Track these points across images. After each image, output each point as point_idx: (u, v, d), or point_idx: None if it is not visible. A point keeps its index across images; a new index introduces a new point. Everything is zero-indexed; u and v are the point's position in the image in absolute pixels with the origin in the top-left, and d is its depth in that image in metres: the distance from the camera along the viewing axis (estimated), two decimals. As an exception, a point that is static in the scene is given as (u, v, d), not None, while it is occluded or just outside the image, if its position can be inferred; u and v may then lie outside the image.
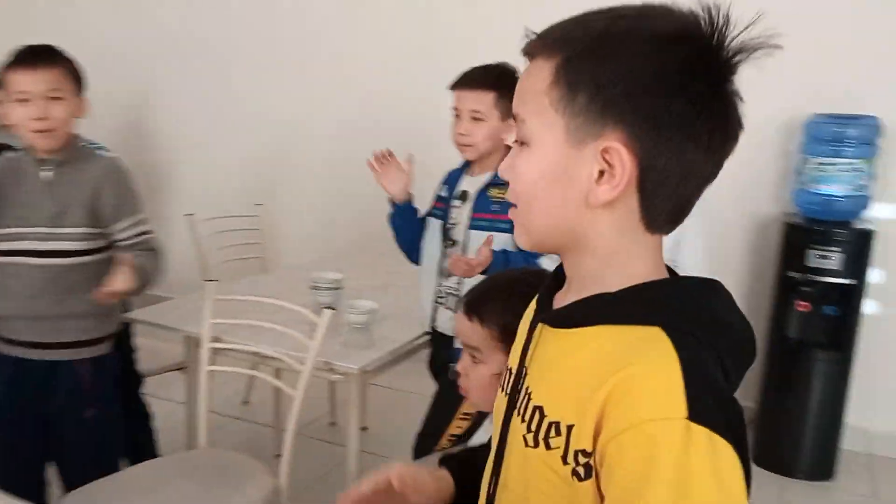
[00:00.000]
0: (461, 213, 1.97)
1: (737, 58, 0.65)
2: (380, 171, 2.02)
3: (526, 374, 0.74)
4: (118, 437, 1.92)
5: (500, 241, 1.88)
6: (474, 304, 1.11)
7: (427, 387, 2.07)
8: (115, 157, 1.92)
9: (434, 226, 2.05)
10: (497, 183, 1.93)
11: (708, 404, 0.60)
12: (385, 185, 2.01)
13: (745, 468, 0.61)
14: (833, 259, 2.56)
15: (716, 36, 0.64)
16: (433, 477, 1.02)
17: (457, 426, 1.84)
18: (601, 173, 0.65)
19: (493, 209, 1.94)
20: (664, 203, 0.67)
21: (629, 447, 0.59)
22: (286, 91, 3.94)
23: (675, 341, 0.62)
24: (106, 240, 1.81)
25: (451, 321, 1.95)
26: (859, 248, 2.58)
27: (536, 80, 0.67)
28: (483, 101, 1.87)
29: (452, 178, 2.05)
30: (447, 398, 1.89)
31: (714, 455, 0.58)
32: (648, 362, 0.62)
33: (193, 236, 2.99)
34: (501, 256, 1.84)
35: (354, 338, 2.05)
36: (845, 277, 2.56)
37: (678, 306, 0.67)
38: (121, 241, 1.80)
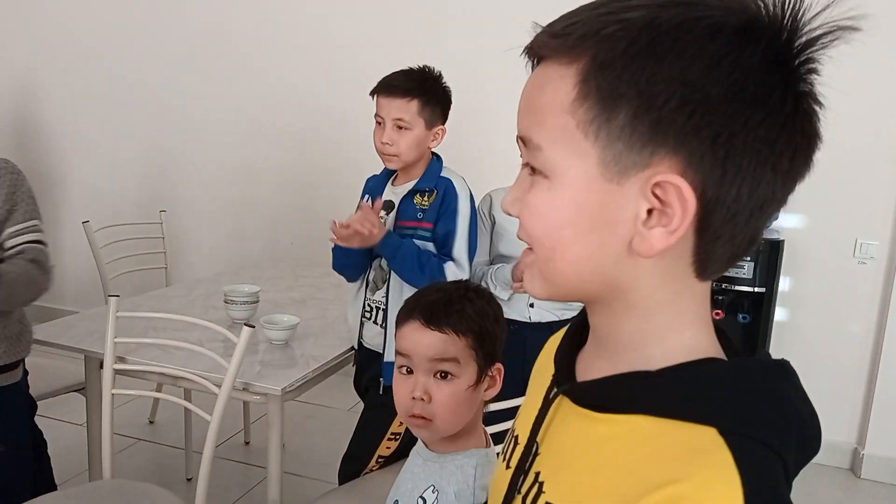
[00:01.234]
0: (386, 224, 1.90)
1: (812, 51, 0.50)
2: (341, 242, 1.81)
3: (537, 453, 0.60)
4: (29, 472, 1.74)
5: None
6: (438, 315, 1.03)
7: (346, 400, 1.98)
8: (9, 161, 1.73)
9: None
10: (420, 189, 1.88)
11: None
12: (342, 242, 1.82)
13: None
14: (744, 268, 2.65)
15: (787, 24, 0.49)
16: None
17: (386, 447, 1.77)
18: (650, 212, 0.50)
19: (417, 217, 1.88)
20: (727, 245, 0.52)
21: None
22: (186, 90, 3.73)
23: (737, 452, 0.48)
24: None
25: (378, 336, 1.88)
26: (769, 257, 2.69)
27: (554, 92, 0.51)
28: (408, 109, 1.81)
29: (374, 187, 1.98)
30: (375, 417, 1.81)
31: None
32: (702, 483, 0.47)
33: (91, 245, 2.76)
34: (394, 240, 1.79)
35: (274, 356, 1.93)
36: (756, 286, 2.66)
37: (741, 400, 0.51)
38: (8, 247, 1.62)
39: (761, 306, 2.70)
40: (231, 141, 3.70)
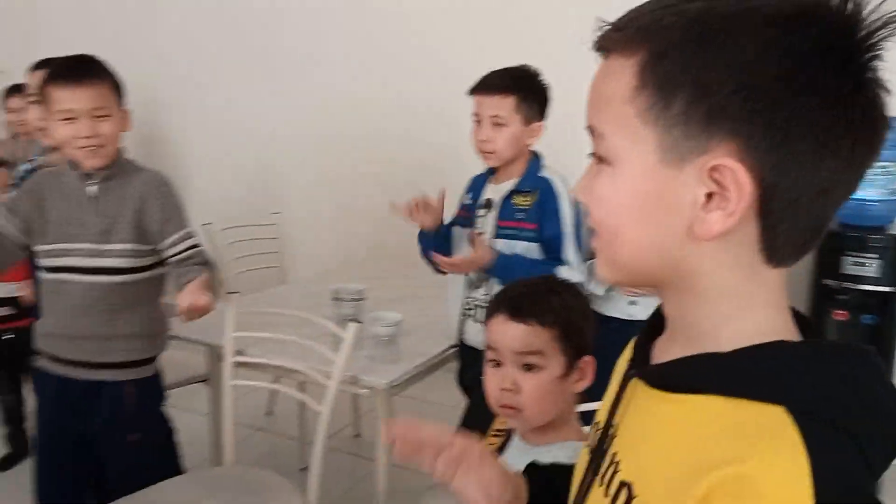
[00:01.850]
0: (486, 222, 1.93)
1: (876, 39, 0.49)
2: (414, 219, 1.97)
3: (614, 435, 0.63)
4: (162, 460, 1.86)
5: (520, 249, 1.86)
6: (525, 306, 1.06)
7: (451, 397, 2.02)
8: (159, 172, 1.85)
9: (460, 235, 2.00)
10: (521, 190, 1.89)
11: None
12: (419, 224, 1.98)
13: None
14: (870, 266, 2.49)
15: (848, 11, 0.49)
16: (507, 472, 0.87)
17: (489, 443, 1.79)
18: (709, 196, 0.51)
19: (517, 217, 1.90)
20: (792, 230, 0.52)
21: None
22: (294, 100, 3.90)
23: (806, 432, 0.47)
24: (155, 257, 1.75)
25: (480, 334, 1.90)
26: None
27: (616, 83, 0.54)
28: (504, 105, 1.83)
29: (477, 186, 2.01)
30: (478, 414, 1.84)
31: None
32: (766, 463, 0.47)
33: (212, 246, 2.95)
34: (504, 259, 1.82)
35: (380, 351, 1.99)
36: (883, 285, 2.49)
37: (812, 381, 0.51)
38: (172, 256, 1.72)
39: (889, 306, 2.53)
40: (337, 145, 3.84)
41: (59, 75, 1.66)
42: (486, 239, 1.88)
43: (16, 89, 3.12)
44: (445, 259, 1.87)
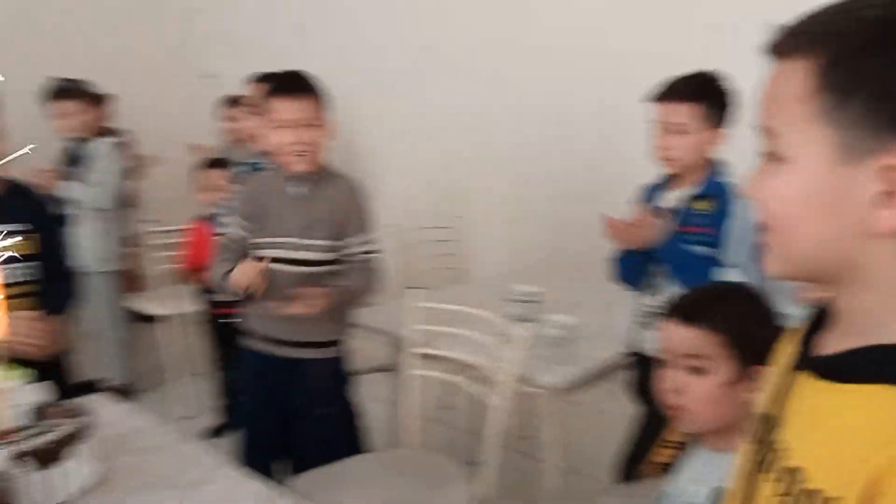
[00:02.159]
0: (666, 231, 1.90)
1: None
2: (613, 235, 1.88)
3: (781, 426, 0.65)
4: (347, 433, 2.05)
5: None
6: (695, 311, 1.07)
7: (616, 406, 2.01)
8: (356, 179, 2.04)
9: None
10: (702, 195, 1.84)
11: None
12: (616, 243, 1.91)
13: None
14: None
15: None
16: None
17: (660, 453, 1.76)
18: (886, 194, 0.54)
19: (698, 222, 1.85)
20: None
21: None
22: (478, 109, 4.03)
23: None
24: (339, 253, 1.94)
25: (657, 342, 1.88)
26: None
27: (793, 84, 0.57)
28: (688, 112, 1.79)
29: (650, 194, 1.98)
30: (653, 424, 1.82)
31: None
32: None
33: (398, 246, 3.14)
34: (675, 248, 1.77)
35: (551, 352, 2.03)
36: None
37: None
38: (349, 255, 1.92)
39: None
40: (521, 152, 3.92)
41: (277, 88, 1.88)
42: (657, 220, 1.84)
43: (233, 101, 3.51)
44: (615, 220, 1.82)
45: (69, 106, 3.04)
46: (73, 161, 3.11)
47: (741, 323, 1.06)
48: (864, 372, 0.56)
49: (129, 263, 3.43)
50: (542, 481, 1.99)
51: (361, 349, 2.68)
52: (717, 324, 1.04)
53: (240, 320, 2.11)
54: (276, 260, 1.90)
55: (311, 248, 1.90)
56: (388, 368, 2.57)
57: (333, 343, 2.01)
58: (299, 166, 1.88)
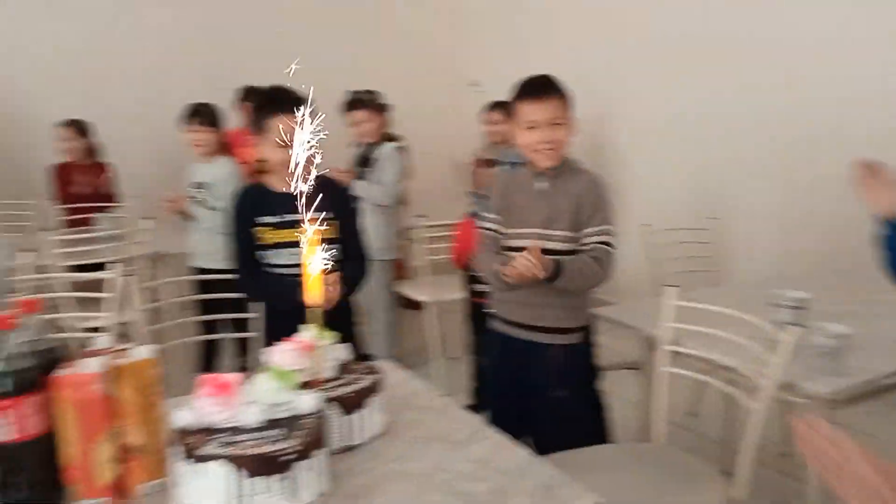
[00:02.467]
0: None
1: None
2: (866, 184, 1.75)
3: None
4: (584, 418, 2.15)
5: None
6: None
7: (888, 430, 1.82)
8: (598, 174, 2.15)
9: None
10: None
11: None
12: (870, 200, 1.76)
13: None
14: None
15: None
16: None
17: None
18: None
19: None
20: None
21: None
22: (738, 106, 3.83)
23: None
24: (578, 243, 2.04)
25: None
26: None
27: None
28: None
29: None
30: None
31: None
32: None
33: (647, 246, 3.13)
34: None
35: (820, 362, 1.91)
36: None
37: None
38: (584, 244, 2.02)
39: None
40: (785, 152, 3.67)
41: (525, 93, 2.04)
42: None
43: (495, 106, 3.75)
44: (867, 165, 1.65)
45: (360, 115, 3.50)
46: (363, 163, 3.57)
47: None
48: None
49: (401, 254, 3.83)
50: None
51: (610, 345, 2.73)
52: None
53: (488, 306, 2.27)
54: (521, 249, 2.02)
55: (553, 238, 2.02)
56: (636, 367, 2.59)
57: (573, 330, 2.10)
58: (545, 162, 2.04)
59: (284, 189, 2.02)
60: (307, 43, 5.27)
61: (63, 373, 1.18)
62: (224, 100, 3.75)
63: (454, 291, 3.61)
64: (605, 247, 2.03)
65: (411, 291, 3.86)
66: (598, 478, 1.80)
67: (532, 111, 2.01)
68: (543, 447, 1.99)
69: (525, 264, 1.91)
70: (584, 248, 2.03)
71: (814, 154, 3.53)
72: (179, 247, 3.53)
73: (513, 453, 1.39)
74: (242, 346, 3.21)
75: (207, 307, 2.69)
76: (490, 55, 5.71)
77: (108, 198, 4.24)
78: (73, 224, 3.93)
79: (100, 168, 4.29)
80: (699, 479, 1.82)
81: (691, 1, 4.09)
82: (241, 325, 2.54)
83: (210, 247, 3.25)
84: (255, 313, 2.35)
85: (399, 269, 4.03)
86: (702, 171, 4.14)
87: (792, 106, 3.61)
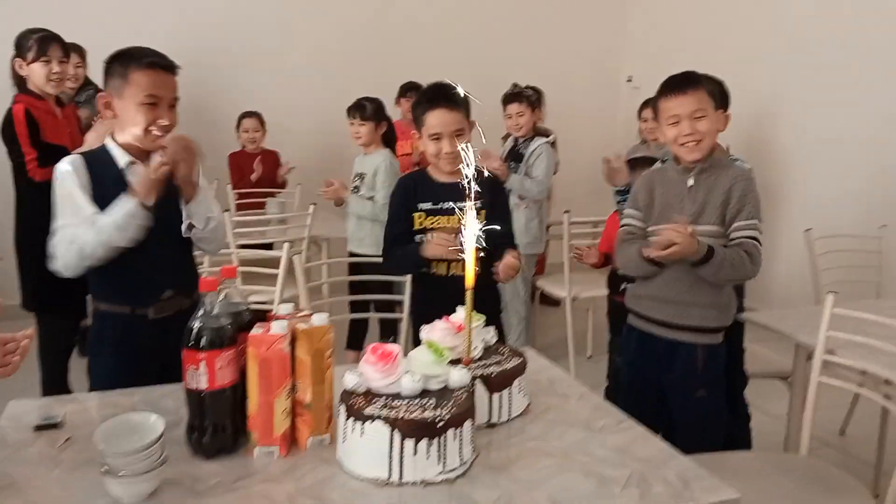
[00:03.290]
0: None
1: None
2: None
3: None
4: (721, 420, 2.12)
5: None
6: None
7: None
8: (748, 169, 2.13)
9: None
10: None
11: None
12: None
13: None
14: None
15: None
16: None
17: None
18: None
19: None
20: None
21: None
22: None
23: None
24: (726, 238, 2.01)
25: None
26: None
27: None
28: None
29: None
30: None
31: None
32: None
33: (808, 253, 2.99)
34: None
35: None
36: None
37: None
38: (731, 239, 1.99)
39: None
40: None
41: (666, 88, 2.06)
42: None
43: (651, 102, 3.71)
44: None
45: (515, 108, 3.60)
46: (515, 157, 3.66)
47: None
48: None
49: (543, 248, 3.89)
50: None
51: (757, 353, 2.65)
52: None
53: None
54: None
55: (700, 234, 1.98)
56: (785, 376, 2.50)
57: (717, 330, 2.07)
58: (690, 156, 2.03)
59: (443, 178, 2.16)
60: (471, 40, 5.45)
61: (253, 332, 1.35)
62: (390, 94, 3.94)
63: (594, 288, 3.61)
64: (754, 241, 1.99)
65: (551, 287, 3.90)
66: (735, 482, 1.78)
67: (673, 106, 2.02)
68: (679, 446, 2.01)
69: (673, 236, 1.90)
70: (731, 242, 2.00)
71: None
72: (338, 232, 3.79)
73: (651, 444, 1.42)
74: (390, 326, 3.41)
75: (359, 288, 2.90)
76: (649, 53, 5.61)
77: (278, 184, 4.61)
78: (246, 207, 4.32)
79: (272, 157, 4.68)
80: (845, 494, 1.75)
81: (871, 3, 3.83)
82: (388, 307, 2.72)
83: (362, 233, 3.48)
84: (403, 296, 2.51)
85: (539, 264, 4.09)
86: (874, 177, 3.86)
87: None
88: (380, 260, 2.30)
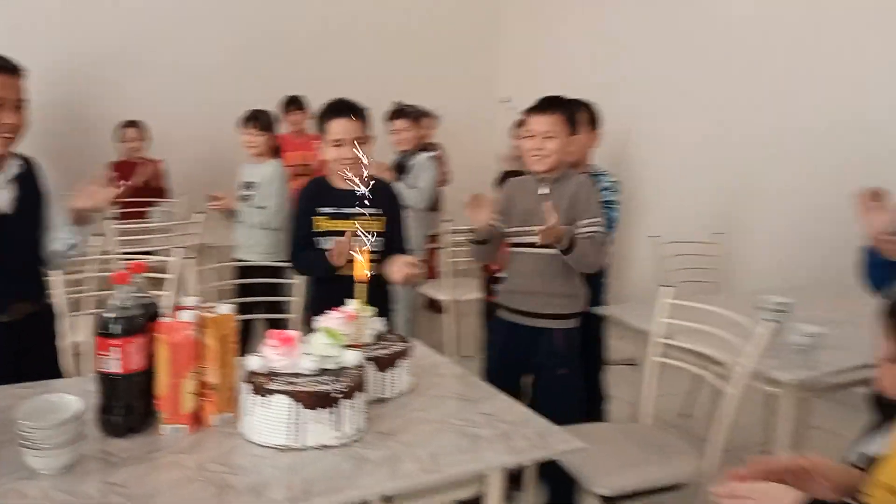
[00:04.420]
0: None
1: None
2: (866, 206, 1.97)
3: None
4: (580, 394, 2.45)
5: None
6: None
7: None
8: (589, 178, 2.47)
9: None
10: None
11: None
12: (866, 221, 1.97)
13: None
14: None
15: None
16: (844, 469, 1.13)
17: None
18: None
19: None
20: None
21: None
22: (759, 121, 4.09)
23: None
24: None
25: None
26: None
27: None
28: None
29: None
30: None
31: None
32: None
33: (655, 256, 3.39)
34: None
35: (794, 357, 2.16)
36: None
37: None
38: (578, 234, 2.30)
39: None
40: (794, 177, 3.91)
41: (530, 107, 2.36)
42: None
43: (522, 123, 4.04)
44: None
45: (400, 124, 3.83)
46: (400, 169, 3.89)
47: None
48: None
49: (428, 256, 4.13)
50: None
51: (613, 345, 3.00)
52: None
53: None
54: (524, 245, 2.35)
55: None
56: (634, 363, 2.86)
57: (571, 316, 2.40)
58: (535, 166, 2.36)
59: (342, 185, 2.35)
60: (355, 58, 5.65)
61: (163, 320, 1.49)
62: (271, 107, 4.06)
63: (474, 292, 3.89)
64: (597, 233, 2.33)
65: (434, 292, 4.15)
66: (587, 444, 2.07)
67: (532, 122, 2.35)
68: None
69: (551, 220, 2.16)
70: (578, 237, 2.30)
71: (819, 183, 3.77)
72: (223, 240, 3.86)
73: (516, 410, 1.68)
74: (276, 327, 3.52)
75: (246, 293, 3.01)
76: (523, 75, 6.02)
77: (160, 193, 4.60)
78: (127, 216, 4.29)
79: (153, 165, 4.66)
80: (676, 454, 2.09)
81: (716, 28, 4.36)
82: (276, 309, 2.86)
83: (252, 241, 3.58)
84: (293, 297, 2.66)
85: (429, 271, 4.33)
86: (714, 190, 4.39)
87: (805, 140, 3.86)
88: (269, 264, 2.44)
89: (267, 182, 3.56)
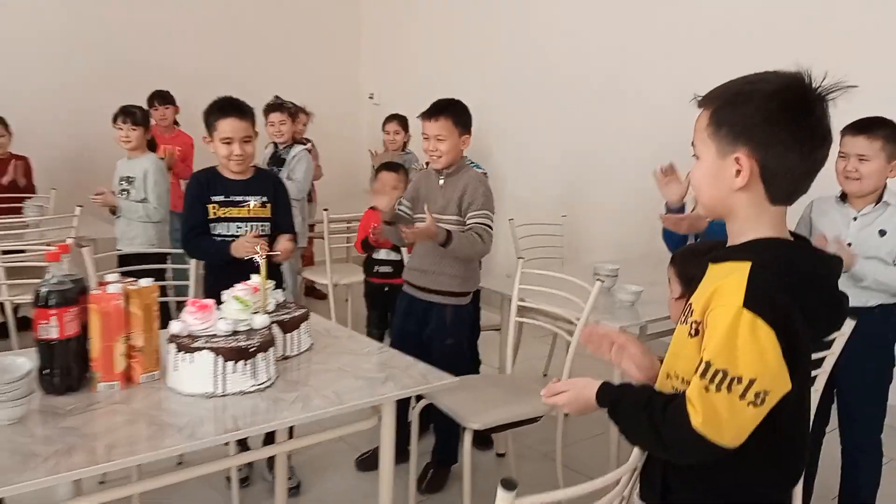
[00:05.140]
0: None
1: (826, 95, 1.11)
2: (663, 182, 2.51)
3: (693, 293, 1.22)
4: (465, 362, 2.81)
5: None
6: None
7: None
8: (481, 172, 2.86)
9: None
10: None
11: (757, 300, 1.04)
12: (664, 194, 2.52)
13: (792, 352, 1.04)
14: None
15: (807, 82, 1.11)
16: (653, 360, 1.47)
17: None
18: (737, 172, 1.13)
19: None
20: (780, 185, 1.13)
21: (713, 318, 1.10)
22: (594, 127, 4.68)
23: (752, 270, 1.08)
24: (464, 226, 2.69)
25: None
26: None
27: (701, 121, 1.18)
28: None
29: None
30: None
31: (753, 331, 1.03)
32: (729, 280, 1.09)
33: (513, 238, 3.87)
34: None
35: (622, 312, 2.68)
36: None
37: (771, 252, 1.12)
38: (468, 226, 2.67)
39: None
40: (623, 164, 4.53)
41: (425, 112, 2.70)
42: None
43: (394, 117, 4.38)
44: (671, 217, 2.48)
45: (277, 117, 4.05)
46: (278, 162, 4.11)
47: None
48: (723, 256, 1.17)
49: (307, 243, 4.39)
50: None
51: (492, 316, 3.42)
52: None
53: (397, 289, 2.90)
54: None
55: (446, 221, 2.65)
56: (498, 328, 3.30)
57: (463, 294, 2.77)
58: (435, 165, 2.71)
59: (230, 176, 2.58)
60: (222, 52, 5.75)
61: (94, 292, 1.70)
62: (136, 101, 4.12)
63: (351, 276, 4.21)
64: (483, 225, 2.66)
65: (315, 276, 4.42)
66: (464, 393, 2.47)
67: (425, 126, 2.69)
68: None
69: (426, 227, 2.50)
70: (466, 228, 2.65)
71: (642, 169, 4.38)
72: (102, 233, 3.93)
73: (403, 359, 2.03)
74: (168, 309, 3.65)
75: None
76: (385, 71, 6.36)
77: (30, 189, 4.53)
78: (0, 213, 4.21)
79: (19, 161, 4.57)
80: (533, 393, 2.52)
81: (556, 28, 4.91)
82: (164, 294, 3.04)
83: (132, 233, 3.70)
84: (186, 282, 2.86)
85: (308, 259, 4.58)
86: (559, 177, 4.96)
87: (631, 135, 4.48)
88: (152, 251, 2.64)
89: (143, 176, 3.67)
